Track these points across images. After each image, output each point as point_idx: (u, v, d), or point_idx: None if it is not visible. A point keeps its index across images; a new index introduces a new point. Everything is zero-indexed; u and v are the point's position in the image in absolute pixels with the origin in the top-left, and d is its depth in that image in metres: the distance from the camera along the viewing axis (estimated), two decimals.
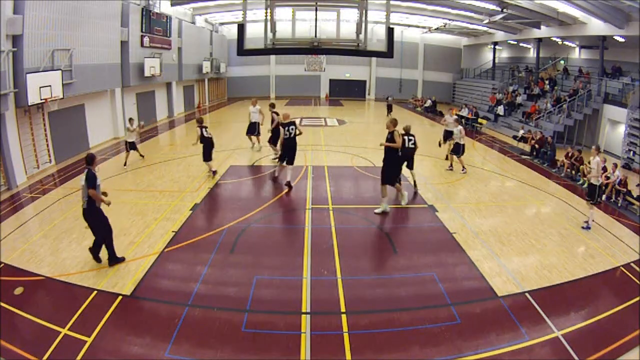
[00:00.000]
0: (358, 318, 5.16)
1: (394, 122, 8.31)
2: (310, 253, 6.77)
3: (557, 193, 10.65)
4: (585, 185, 11.14)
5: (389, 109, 24.79)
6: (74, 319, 4.92)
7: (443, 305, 5.46)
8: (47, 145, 11.64)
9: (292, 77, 32.70)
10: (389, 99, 26.49)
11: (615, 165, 10.67)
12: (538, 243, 7.44)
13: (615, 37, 16.58)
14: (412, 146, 9.76)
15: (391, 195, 9.06)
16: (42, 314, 5.02)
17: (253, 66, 32.15)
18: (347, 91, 33.73)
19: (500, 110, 21.69)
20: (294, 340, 4.70)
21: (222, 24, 29.67)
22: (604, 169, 9.93)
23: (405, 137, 9.52)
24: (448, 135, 12.88)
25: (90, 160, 6.24)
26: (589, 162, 8.45)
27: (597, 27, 16.74)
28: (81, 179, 6.07)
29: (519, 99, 21.84)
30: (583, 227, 8.14)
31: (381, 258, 6.85)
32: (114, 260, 6.28)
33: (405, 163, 9.74)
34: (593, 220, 8.24)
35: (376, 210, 8.48)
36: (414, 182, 10.19)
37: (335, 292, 5.68)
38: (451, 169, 12.10)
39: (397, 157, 8.49)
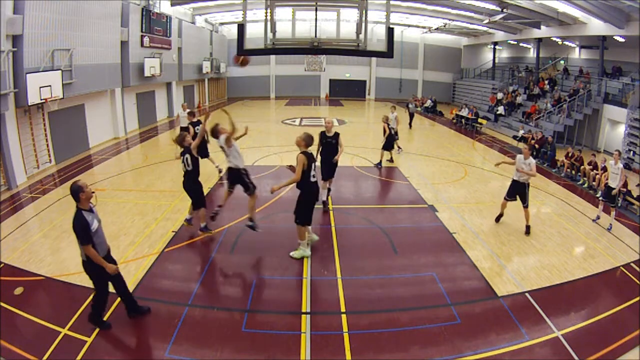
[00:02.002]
0: (358, 318, 5.15)
1: (307, 140, 6.16)
2: (310, 253, 6.77)
3: (557, 193, 10.65)
4: (586, 185, 11.20)
5: (411, 118, 19.98)
6: (74, 319, 4.92)
7: (443, 305, 5.45)
8: (47, 145, 11.64)
9: (292, 77, 32.70)
10: (410, 106, 20.16)
11: None
12: (538, 243, 7.44)
13: (615, 37, 16.57)
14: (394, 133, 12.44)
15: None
16: (42, 314, 5.02)
17: (253, 66, 32.00)
18: (347, 91, 33.71)
19: (501, 110, 21.68)
20: (294, 340, 4.70)
21: (222, 24, 29.68)
22: (604, 169, 9.94)
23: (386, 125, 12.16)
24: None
25: (76, 192, 4.10)
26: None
27: (597, 27, 16.73)
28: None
29: (519, 99, 21.82)
30: (607, 229, 8.19)
31: (381, 258, 6.84)
32: (100, 323, 4.78)
33: (386, 145, 12.24)
34: (611, 224, 8.31)
35: (293, 254, 6.58)
36: (391, 158, 12.70)
37: (335, 292, 5.68)
38: (400, 150, 14.29)
39: (312, 185, 6.26)
